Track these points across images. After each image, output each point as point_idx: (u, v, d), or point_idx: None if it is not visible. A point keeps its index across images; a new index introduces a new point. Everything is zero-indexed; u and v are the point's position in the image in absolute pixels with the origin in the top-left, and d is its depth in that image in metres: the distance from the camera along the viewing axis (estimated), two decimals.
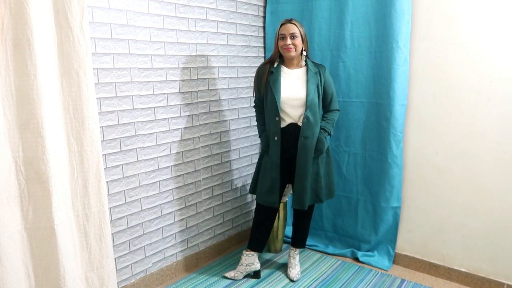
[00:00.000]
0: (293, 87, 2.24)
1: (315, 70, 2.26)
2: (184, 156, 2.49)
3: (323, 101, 2.32)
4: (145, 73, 2.20)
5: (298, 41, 2.19)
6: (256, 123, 2.53)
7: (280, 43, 2.22)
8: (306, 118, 2.20)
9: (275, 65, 2.29)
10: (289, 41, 2.18)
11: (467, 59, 2.24)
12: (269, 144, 2.31)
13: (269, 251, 2.84)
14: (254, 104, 2.49)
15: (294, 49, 2.19)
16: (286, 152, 2.29)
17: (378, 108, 2.55)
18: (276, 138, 2.24)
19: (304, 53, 2.26)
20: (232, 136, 2.81)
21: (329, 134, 2.34)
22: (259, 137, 2.44)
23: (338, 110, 2.39)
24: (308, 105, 2.20)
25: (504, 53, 2.12)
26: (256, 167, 2.46)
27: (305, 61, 2.28)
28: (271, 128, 2.27)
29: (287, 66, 2.29)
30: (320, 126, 2.30)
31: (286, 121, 2.26)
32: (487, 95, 2.20)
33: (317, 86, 2.23)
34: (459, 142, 2.32)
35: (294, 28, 2.18)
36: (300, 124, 2.24)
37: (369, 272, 2.56)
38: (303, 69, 2.28)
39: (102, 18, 1.97)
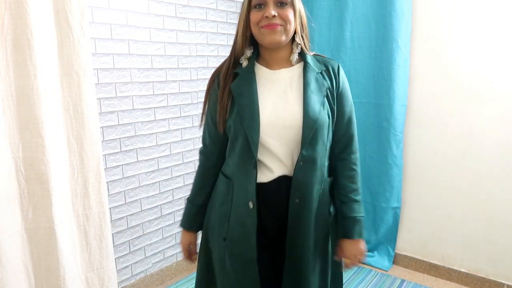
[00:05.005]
0: (280, 103, 1.15)
1: (319, 68, 1.19)
2: (184, 157, 2.49)
3: (335, 129, 1.22)
4: (145, 73, 2.19)
5: (290, 13, 1.11)
6: (194, 181, 1.35)
7: (255, 15, 1.11)
8: (302, 160, 1.12)
9: (243, 64, 1.19)
10: (272, 11, 1.08)
11: (467, 59, 2.24)
12: (223, 219, 1.21)
13: None
14: (200, 150, 1.33)
15: (282, 27, 1.10)
16: (267, 231, 1.19)
17: (378, 109, 2.54)
18: (250, 205, 1.13)
19: (299, 40, 1.17)
20: None
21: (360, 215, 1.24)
22: (184, 213, 1.36)
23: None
24: (307, 133, 1.11)
25: (504, 53, 2.12)
26: (202, 265, 1.33)
27: (301, 53, 1.20)
28: (240, 187, 1.17)
29: (267, 64, 1.20)
30: (342, 187, 1.24)
31: (273, 172, 1.15)
32: (487, 95, 2.20)
33: (326, 96, 1.17)
34: (459, 142, 2.32)
35: None
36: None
37: (369, 272, 2.56)
38: (298, 68, 1.19)
39: (102, 18, 1.97)
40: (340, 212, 1.24)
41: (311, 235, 1.17)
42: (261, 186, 1.15)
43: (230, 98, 1.17)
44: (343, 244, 1.25)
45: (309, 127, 1.11)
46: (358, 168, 1.26)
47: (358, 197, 1.24)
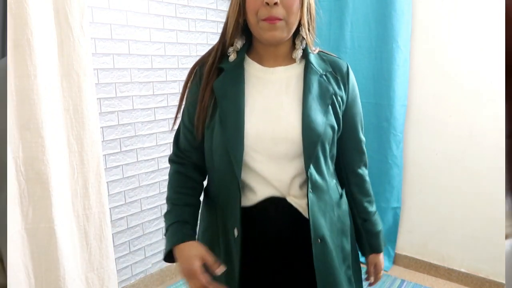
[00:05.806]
0: (271, 109, 0.94)
1: (323, 68, 0.99)
2: None
3: (342, 138, 1.04)
4: (145, 73, 2.19)
5: (295, 2, 0.90)
6: (168, 199, 1.10)
7: (252, 2, 0.90)
8: (311, 187, 0.94)
9: (231, 57, 1.00)
10: None
11: (467, 59, 2.24)
12: (214, 242, 1.01)
13: None
14: (171, 155, 1.09)
15: (283, 21, 0.90)
16: (258, 262, 0.99)
17: (378, 109, 2.54)
18: (235, 232, 0.94)
19: (305, 34, 0.98)
20: None
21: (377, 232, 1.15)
22: (165, 234, 1.03)
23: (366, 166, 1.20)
24: (310, 151, 0.92)
25: (504, 53, 2.12)
26: None
27: (305, 49, 1.01)
28: (222, 210, 0.99)
29: (260, 59, 1.00)
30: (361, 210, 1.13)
31: (256, 193, 0.95)
32: (487, 95, 2.20)
33: (331, 105, 0.96)
34: (459, 143, 2.32)
35: None
36: (290, 199, 0.96)
37: None
38: (297, 68, 0.99)
39: (102, 18, 1.97)
40: (364, 229, 1.14)
41: (344, 270, 1.01)
42: (245, 211, 0.94)
43: (212, 99, 0.95)
44: (372, 259, 1.16)
45: (312, 142, 0.90)
46: (370, 187, 1.19)
47: (375, 206, 1.16)
